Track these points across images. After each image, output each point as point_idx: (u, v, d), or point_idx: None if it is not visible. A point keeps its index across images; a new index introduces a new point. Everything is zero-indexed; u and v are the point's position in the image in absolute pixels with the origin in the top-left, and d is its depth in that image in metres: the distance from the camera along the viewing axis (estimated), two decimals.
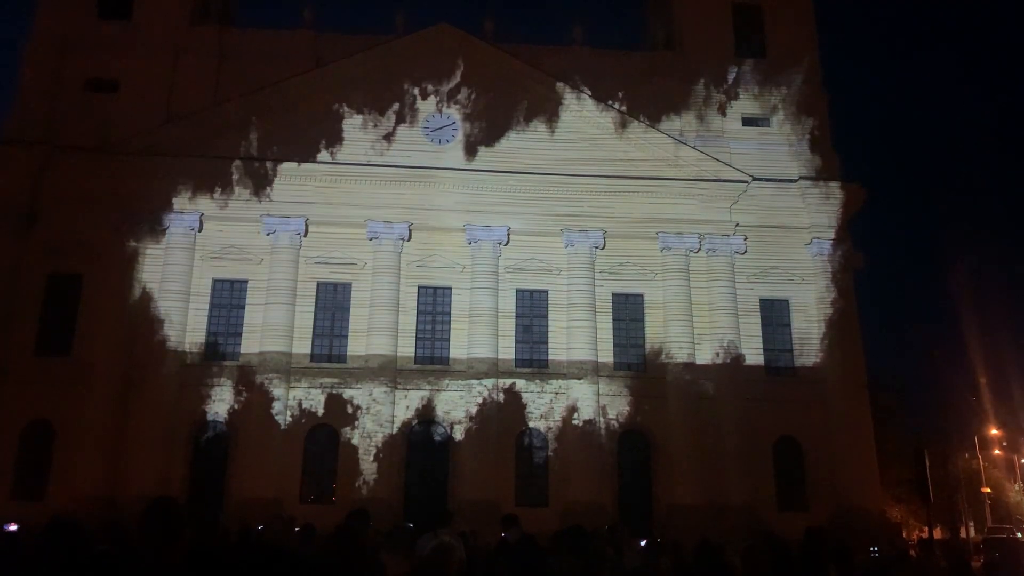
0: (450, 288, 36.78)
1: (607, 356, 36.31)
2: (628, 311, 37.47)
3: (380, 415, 34.20)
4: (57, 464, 32.78)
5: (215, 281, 36.10)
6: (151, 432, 32.78)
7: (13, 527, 16.45)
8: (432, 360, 36.04)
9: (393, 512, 30.53)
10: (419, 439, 35.45)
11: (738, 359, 36.15)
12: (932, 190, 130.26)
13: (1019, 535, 49.53)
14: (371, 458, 33.61)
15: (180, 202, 35.62)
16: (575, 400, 35.16)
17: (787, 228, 38.41)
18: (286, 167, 36.25)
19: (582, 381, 35.33)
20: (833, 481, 34.99)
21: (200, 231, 35.91)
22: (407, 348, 35.66)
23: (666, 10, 43.67)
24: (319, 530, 12.80)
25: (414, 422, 35.21)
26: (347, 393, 34.68)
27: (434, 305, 36.81)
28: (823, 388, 36.36)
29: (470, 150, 37.39)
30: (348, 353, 35.52)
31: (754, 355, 36.88)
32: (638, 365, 36.72)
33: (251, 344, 35.03)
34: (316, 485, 34.20)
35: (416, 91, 37.87)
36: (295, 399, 34.54)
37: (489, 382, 34.94)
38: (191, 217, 35.70)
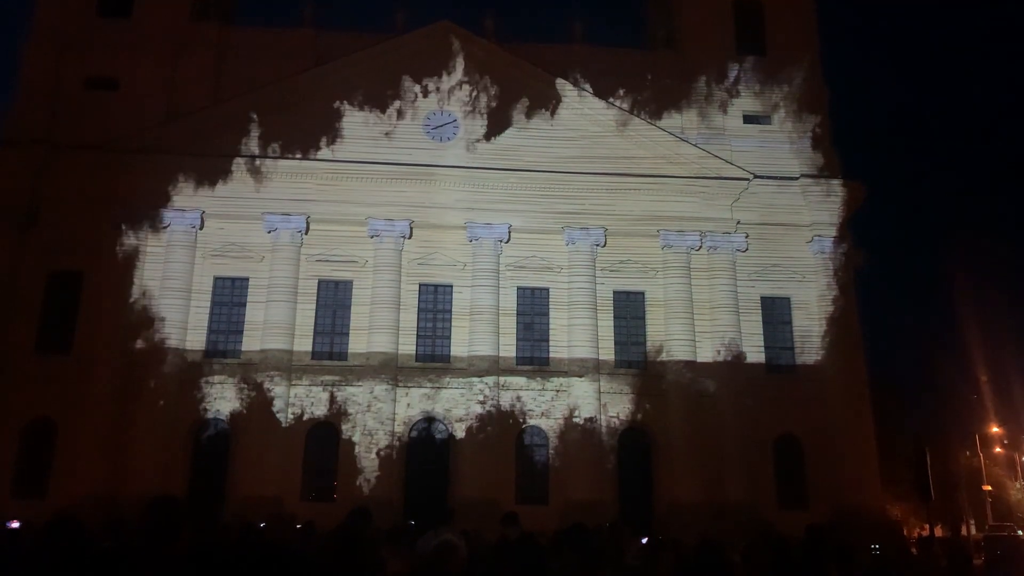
0: (451, 286, 36.78)
1: (608, 354, 36.31)
2: (629, 309, 37.46)
3: (381, 413, 34.22)
4: (58, 462, 32.78)
5: (216, 279, 36.11)
6: (152, 430, 32.80)
7: (16, 524, 16.46)
8: (433, 358, 36.04)
9: (394, 510, 30.56)
10: (420, 437, 35.47)
11: (739, 357, 36.14)
12: (933, 188, 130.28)
13: (1020, 533, 49.53)
14: (372, 456, 33.63)
15: (181, 200, 35.61)
16: (576, 398, 35.16)
17: (788, 226, 38.39)
18: (287, 164, 36.26)
19: (583, 379, 35.33)
20: (834, 479, 34.97)
21: (201, 229, 35.91)
22: (408, 346, 35.67)
23: (667, 8, 43.67)
24: (320, 528, 12.81)
25: (415, 420, 35.23)
26: (348, 391, 34.70)
27: (435, 303, 36.82)
28: (824, 386, 36.33)
29: (471, 148, 37.38)
30: (349, 351, 35.53)
31: (755, 353, 36.87)
32: (639, 363, 36.72)
33: (252, 342, 35.05)
34: (317, 483, 34.22)
35: (417, 89, 37.86)
36: (296, 397, 34.55)
37: (490, 380, 34.95)
38: (192, 215, 35.70)
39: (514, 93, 37.96)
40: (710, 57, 40.03)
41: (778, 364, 37.39)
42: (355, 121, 37.00)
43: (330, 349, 35.78)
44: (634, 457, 35.93)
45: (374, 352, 34.87)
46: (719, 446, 34.67)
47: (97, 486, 31.07)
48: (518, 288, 36.98)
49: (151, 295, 34.73)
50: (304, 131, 36.39)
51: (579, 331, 35.89)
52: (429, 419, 35.52)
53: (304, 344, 35.33)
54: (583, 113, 38.22)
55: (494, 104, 37.79)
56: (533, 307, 37.08)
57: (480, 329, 35.52)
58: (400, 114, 37.43)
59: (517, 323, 36.59)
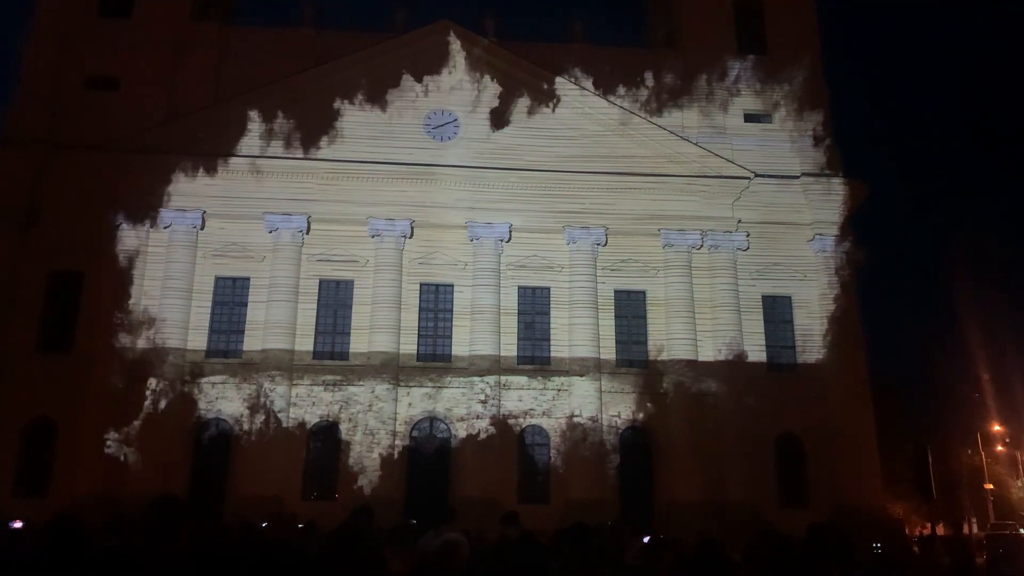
0: (452, 285, 36.79)
1: (609, 353, 36.31)
2: (630, 308, 37.46)
3: (382, 412, 34.22)
4: (59, 461, 32.80)
5: (217, 278, 36.12)
6: (153, 429, 32.81)
7: (19, 524, 16.47)
8: (434, 357, 36.05)
9: (395, 509, 30.55)
10: (421, 436, 35.48)
11: (740, 356, 36.12)
12: (935, 186, 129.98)
13: (1022, 531, 49.45)
14: (373, 455, 33.64)
15: (182, 200, 35.61)
16: (577, 397, 35.16)
17: (789, 224, 38.39)
18: (288, 164, 36.26)
19: (584, 378, 35.33)
20: (835, 478, 34.96)
21: (202, 229, 35.93)
22: (409, 345, 35.68)
23: (667, 7, 43.66)
24: (321, 528, 12.81)
25: (416, 419, 35.23)
26: (349, 390, 34.71)
27: (436, 302, 36.83)
28: (825, 385, 36.29)
29: (471, 147, 37.39)
30: (350, 350, 35.54)
31: (756, 352, 36.86)
32: (640, 362, 36.71)
33: (253, 341, 35.06)
34: (318, 482, 34.23)
35: (417, 88, 37.86)
36: (297, 396, 34.56)
37: (491, 379, 34.95)
38: (193, 215, 35.71)
39: (514, 92, 37.95)
40: (711, 56, 39.99)
41: (779, 363, 37.38)
42: (356, 121, 36.99)
43: (331, 349, 35.79)
44: (635, 456, 35.92)
45: (375, 352, 34.87)
46: (720, 445, 34.66)
47: (98, 485, 31.08)
48: (519, 287, 36.99)
49: (152, 295, 34.76)
50: (305, 131, 36.38)
51: (580, 330, 35.88)
52: (430, 418, 35.52)
53: (305, 344, 35.33)
54: (584, 112, 38.21)
55: (494, 103, 37.78)
56: (534, 306, 37.08)
57: (481, 328, 35.52)
58: (400, 113, 37.42)
59: (518, 322, 36.59)
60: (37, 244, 34.88)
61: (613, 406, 35.69)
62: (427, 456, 35.20)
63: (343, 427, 34.51)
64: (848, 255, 37.94)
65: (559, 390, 35.49)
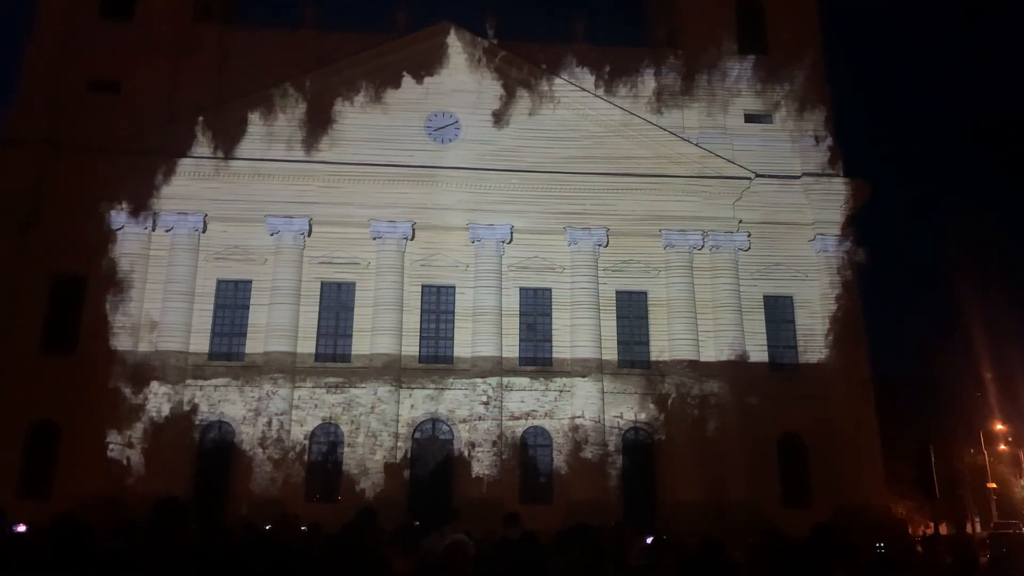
0: (454, 287, 36.80)
1: (611, 354, 36.31)
2: (632, 309, 37.46)
3: (384, 414, 34.24)
4: (62, 463, 32.85)
5: (219, 281, 36.17)
6: (156, 432, 32.85)
7: (22, 528, 16.46)
8: (436, 359, 36.07)
9: (398, 510, 30.50)
10: (423, 438, 35.49)
11: (742, 356, 36.12)
12: (937, 185, 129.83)
13: None
14: (376, 457, 33.67)
15: (183, 202, 35.68)
16: (579, 398, 35.18)
17: (791, 224, 38.38)
18: (289, 167, 36.29)
19: (586, 379, 35.34)
20: (837, 477, 34.91)
21: (204, 232, 35.97)
22: (411, 347, 35.70)
23: (668, 7, 43.64)
24: (324, 529, 12.82)
25: (419, 421, 35.26)
26: (351, 392, 34.74)
27: (438, 304, 36.85)
28: (827, 384, 36.27)
29: (473, 148, 37.41)
30: (352, 352, 35.57)
31: (758, 352, 36.85)
32: (642, 363, 36.71)
33: (255, 344, 35.10)
34: (321, 484, 34.25)
35: (418, 90, 37.88)
36: (300, 399, 34.60)
37: (493, 381, 34.96)
38: (194, 217, 35.75)
39: (515, 93, 37.98)
40: (711, 56, 39.98)
41: (781, 363, 37.37)
42: (357, 122, 37.03)
43: (333, 351, 35.82)
44: (637, 457, 35.94)
45: (377, 354, 34.91)
46: (722, 445, 34.66)
47: (101, 487, 31.10)
48: (521, 289, 37.01)
49: (154, 298, 34.80)
50: (306, 133, 36.41)
51: (582, 331, 35.89)
52: (433, 420, 35.54)
53: (307, 346, 35.37)
54: (584, 113, 38.22)
55: (495, 105, 37.79)
56: (536, 308, 37.09)
57: (483, 330, 35.53)
58: (402, 115, 37.45)
59: (520, 324, 36.61)
60: (39, 246, 34.91)
61: (615, 407, 35.69)
62: (429, 458, 35.21)
63: (345, 429, 34.54)
64: (849, 255, 37.94)
65: (561, 391, 35.50)
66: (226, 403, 34.46)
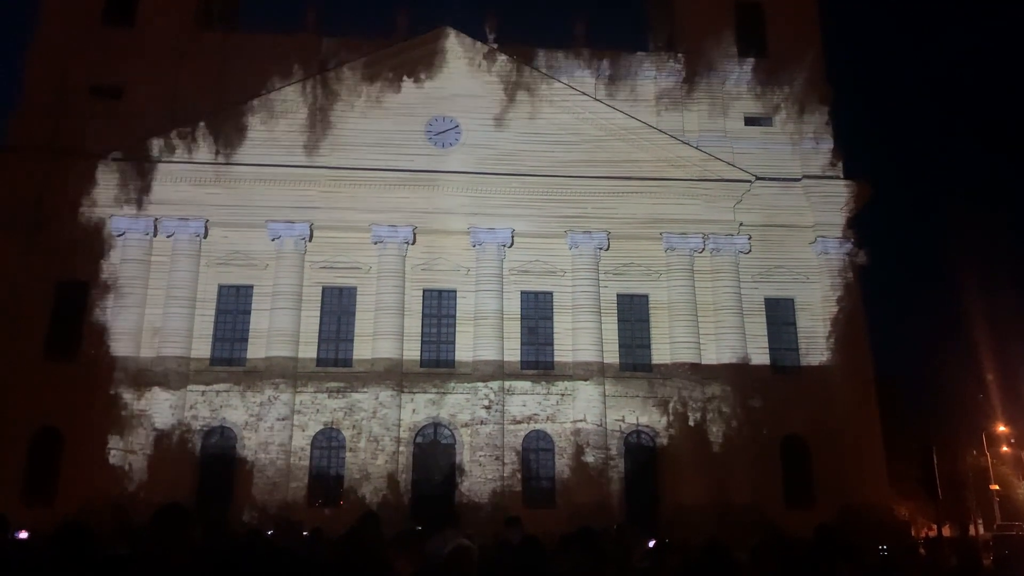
0: (455, 291, 36.82)
1: (612, 357, 36.30)
2: (633, 312, 37.46)
3: (386, 418, 34.24)
4: (65, 469, 32.85)
5: (221, 287, 36.20)
6: (158, 438, 32.87)
7: (24, 535, 16.45)
8: (438, 363, 36.07)
9: (400, 515, 30.53)
10: (425, 442, 35.48)
11: (744, 359, 36.12)
12: (938, 185, 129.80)
13: None
14: (378, 462, 33.65)
15: (184, 208, 35.73)
16: (581, 402, 35.17)
17: (791, 227, 38.39)
18: (290, 172, 36.34)
19: (588, 382, 35.33)
20: (840, 479, 34.88)
21: (205, 237, 36.01)
22: (413, 351, 35.70)
23: (668, 10, 43.71)
24: (327, 534, 12.82)
25: (420, 425, 35.25)
26: (353, 397, 34.74)
27: (439, 308, 36.86)
28: (829, 386, 36.26)
29: (473, 152, 37.45)
30: (354, 357, 35.58)
31: (759, 354, 36.85)
32: (644, 366, 36.69)
33: (257, 349, 35.12)
34: (323, 489, 34.22)
35: (418, 94, 37.92)
36: (301, 404, 34.61)
37: (495, 384, 34.96)
38: (196, 223, 35.80)
39: (515, 97, 38.00)
40: (711, 59, 39.99)
41: (783, 365, 37.36)
42: (357, 127, 37.07)
43: (335, 356, 35.84)
44: (640, 460, 35.92)
45: (379, 358, 34.91)
46: (725, 448, 34.65)
47: (104, 494, 31.06)
48: (522, 292, 37.01)
49: (156, 304, 34.83)
50: (307, 138, 36.46)
51: (583, 335, 35.89)
52: (434, 424, 35.52)
53: (309, 351, 35.39)
54: (585, 117, 38.26)
55: (496, 108, 37.82)
56: (537, 311, 37.09)
57: (484, 334, 35.53)
58: (402, 120, 37.49)
59: (521, 327, 36.61)
60: (43, 252, 34.89)
61: (617, 410, 35.67)
62: (432, 462, 35.18)
63: (347, 434, 34.54)
64: (851, 256, 37.95)
65: (563, 395, 35.49)
66: (228, 408, 34.47)
